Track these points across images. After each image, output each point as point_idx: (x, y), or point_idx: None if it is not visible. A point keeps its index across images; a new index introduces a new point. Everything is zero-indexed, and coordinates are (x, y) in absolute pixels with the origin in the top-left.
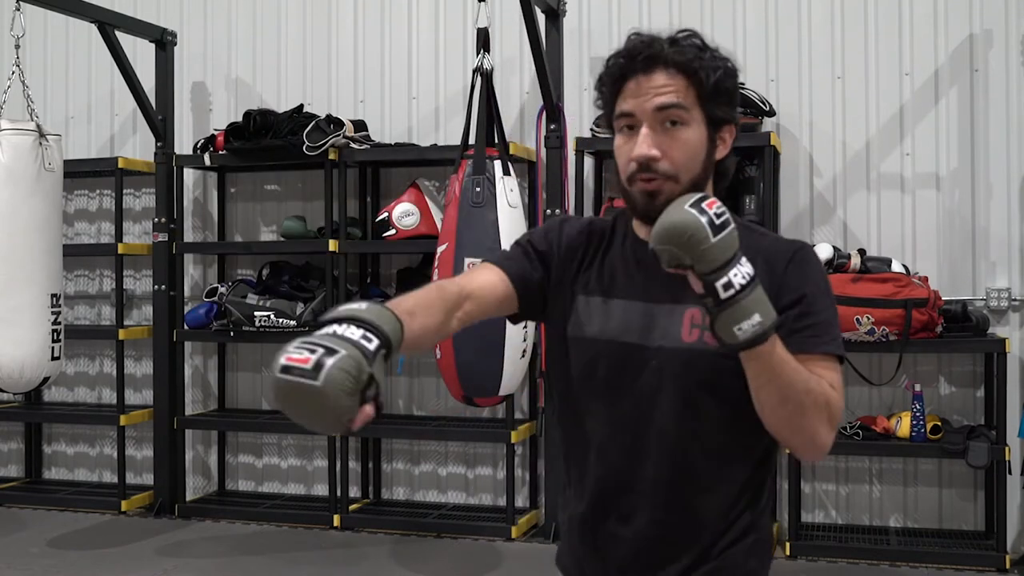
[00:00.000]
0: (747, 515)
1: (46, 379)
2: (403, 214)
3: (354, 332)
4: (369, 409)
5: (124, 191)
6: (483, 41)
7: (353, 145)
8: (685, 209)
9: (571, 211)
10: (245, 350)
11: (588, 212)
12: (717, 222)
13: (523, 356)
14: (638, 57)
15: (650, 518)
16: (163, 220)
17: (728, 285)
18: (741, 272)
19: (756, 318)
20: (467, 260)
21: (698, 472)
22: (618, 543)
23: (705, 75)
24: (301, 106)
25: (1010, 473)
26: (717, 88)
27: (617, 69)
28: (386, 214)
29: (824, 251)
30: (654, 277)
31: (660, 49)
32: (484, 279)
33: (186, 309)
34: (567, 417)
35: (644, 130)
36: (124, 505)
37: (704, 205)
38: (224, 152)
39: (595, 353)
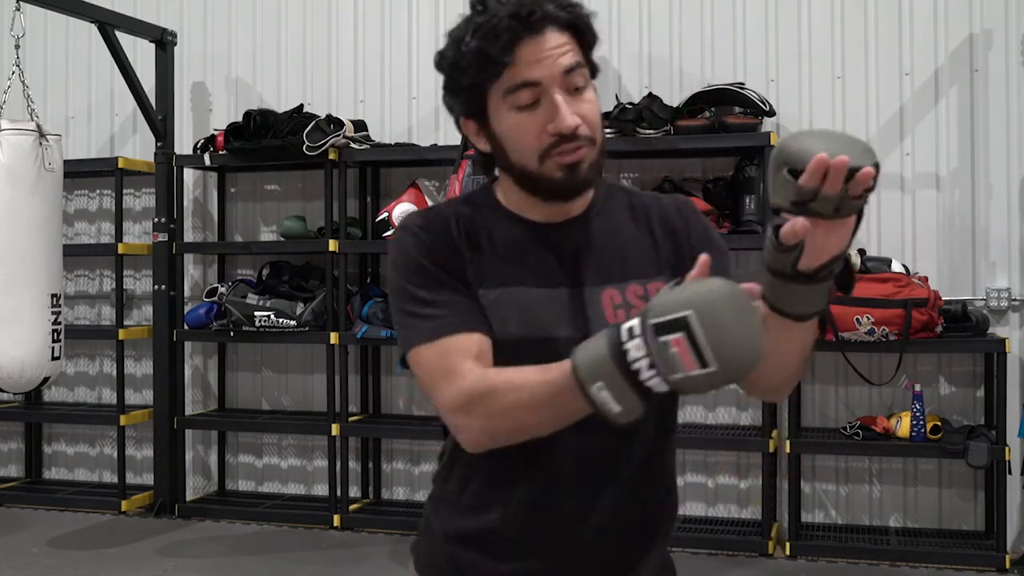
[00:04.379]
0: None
1: (46, 379)
2: (403, 214)
3: None
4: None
5: (124, 191)
6: None
7: (353, 145)
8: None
9: None
10: (245, 350)
11: None
12: None
13: None
14: (531, 17)
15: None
16: (163, 220)
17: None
18: None
19: None
20: None
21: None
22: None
23: (587, 28)
24: (301, 106)
25: (1010, 473)
26: (593, 42)
27: (505, 32)
28: (386, 214)
29: None
30: (559, 260)
31: (546, 7)
32: (483, 346)
33: (186, 309)
34: None
35: (559, 98)
36: (124, 505)
37: None
38: (224, 152)
39: (522, 352)
